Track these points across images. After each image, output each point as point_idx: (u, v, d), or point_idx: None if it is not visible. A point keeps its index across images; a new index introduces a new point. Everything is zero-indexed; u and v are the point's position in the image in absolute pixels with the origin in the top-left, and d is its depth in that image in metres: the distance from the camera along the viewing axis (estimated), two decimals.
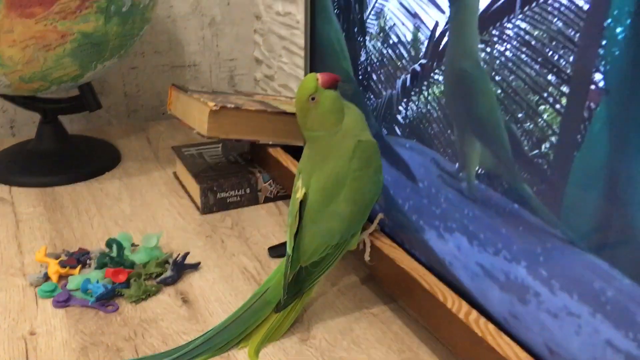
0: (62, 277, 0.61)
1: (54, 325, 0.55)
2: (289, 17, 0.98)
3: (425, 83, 0.50)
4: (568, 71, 0.37)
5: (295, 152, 0.73)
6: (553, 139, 0.39)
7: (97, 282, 0.58)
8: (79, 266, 0.62)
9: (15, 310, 0.57)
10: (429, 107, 0.50)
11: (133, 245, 0.66)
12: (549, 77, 0.38)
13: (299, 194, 0.53)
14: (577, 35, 0.36)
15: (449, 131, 0.48)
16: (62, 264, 0.61)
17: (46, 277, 0.61)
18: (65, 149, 0.88)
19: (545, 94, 0.39)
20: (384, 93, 0.57)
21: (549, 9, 0.38)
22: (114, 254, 0.62)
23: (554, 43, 0.38)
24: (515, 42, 0.41)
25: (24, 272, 0.63)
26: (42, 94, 0.80)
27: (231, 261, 0.66)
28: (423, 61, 0.50)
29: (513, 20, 0.40)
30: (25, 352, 0.51)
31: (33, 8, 0.68)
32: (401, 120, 0.54)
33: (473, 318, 0.45)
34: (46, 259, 0.62)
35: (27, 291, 0.59)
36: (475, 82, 0.44)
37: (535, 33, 0.39)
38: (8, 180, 0.82)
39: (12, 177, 0.82)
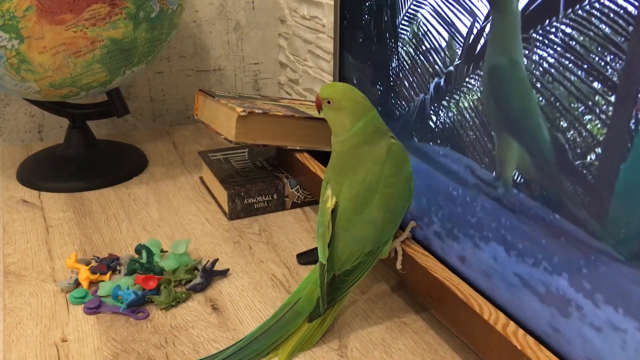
0: (92, 284, 0.61)
1: (85, 332, 0.55)
2: (314, 20, 0.97)
3: (460, 89, 0.49)
4: (615, 79, 0.36)
5: (323, 158, 0.72)
6: (598, 148, 0.37)
7: (128, 288, 0.58)
8: (109, 272, 0.62)
9: (47, 316, 0.57)
10: (464, 113, 0.49)
11: (162, 251, 0.66)
12: (595, 84, 0.37)
13: (329, 203, 0.52)
14: (626, 41, 0.35)
15: (485, 138, 0.47)
16: (93, 270, 0.61)
17: (77, 284, 0.61)
18: (94, 154, 0.88)
19: (590, 102, 0.38)
20: (416, 99, 0.56)
21: (596, 12, 0.36)
22: (144, 260, 0.62)
23: (600, 49, 0.37)
24: (558, 48, 0.39)
25: (54, 278, 0.63)
26: (71, 99, 0.80)
27: (260, 268, 0.65)
28: (458, 64, 0.49)
29: (556, 24, 0.39)
30: (57, 359, 0.52)
31: (63, 15, 0.68)
32: (434, 127, 0.54)
33: (511, 330, 0.44)
34: (77, 265, 0.62)
35: (58, 297, 0.60)
36: (514, 83, 0.44)
37: (581, 38, 0.38)
38: (37, 185, 0.83)
39: (41, 182, 0.83)
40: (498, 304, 0.48)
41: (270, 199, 0.77)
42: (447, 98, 0.51)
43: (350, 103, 0.52)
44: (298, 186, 0.77)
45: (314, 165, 0.73)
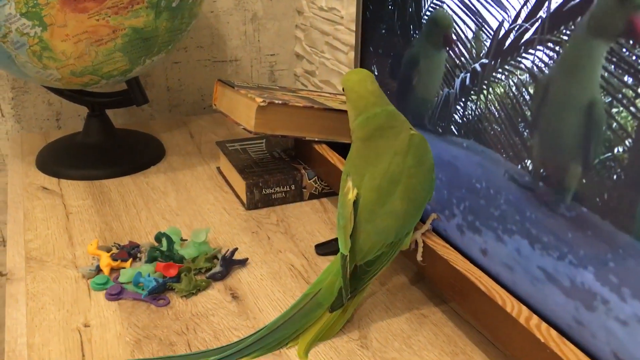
0: (113, 270, 0.62)
1: (107, 318, 0.55)
2: (332, 12, 0.97)
3: (487, 82, 0.49)
4: None
5: (341, 149, 0.72)
6: (627, 141, 0.37)
7: (149, 275, 0.59)
8: (130, 260, 0.62)
9: (69, 302, 0.58)
10: (490, 106, 0.49)
11: (182, 239, 0.66)
12: (625, 78, 0.37)
13: (350, 194, 0.53)
14: None
15: (511, 131, 0.47)
16: (114, 257, 0.62)
17: (98, 270, 0.61)
18: (112, 142, 0.89)
19: (619, 95, 0.37)
20: (441, 92, 0.56)
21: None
22: (164, 248, 0.63)
23: (631, 42, 0.36)
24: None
25: (75, 264, 0.63)
26: (91, 88, 0.81)
27: (278, 258, 0.66)
28: (486, 57, 0.49)
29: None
30: (80, 344, 0.52)
31: (86, 3, 0.68)
32: (459, 120, 0.53)
33: (534, 323, 0.44)
34: (98, 252, 0.62)
35: (79, 283, 0.60)
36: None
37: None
38: (57, 173, 0.83)
39: (61, 170, 0.83)
40: (520, 297, 0.48)
41: (288, 189, 0.77)
42: (473, 91, 0.51)
43: (355, 96, 0.53)
44: (316, 177, 0.77)
45: (332, 157, 0.73)
